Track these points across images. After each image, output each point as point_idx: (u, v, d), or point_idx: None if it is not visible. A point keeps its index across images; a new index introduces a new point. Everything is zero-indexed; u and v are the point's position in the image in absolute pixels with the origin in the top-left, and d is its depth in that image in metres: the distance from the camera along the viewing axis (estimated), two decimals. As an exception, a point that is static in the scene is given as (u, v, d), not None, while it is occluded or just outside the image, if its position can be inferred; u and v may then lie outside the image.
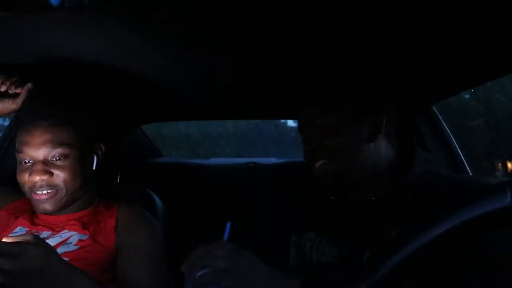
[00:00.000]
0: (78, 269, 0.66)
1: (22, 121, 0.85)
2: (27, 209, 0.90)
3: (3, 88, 0.87)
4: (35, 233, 0.84)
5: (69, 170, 0.83)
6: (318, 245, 0.78)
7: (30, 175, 0.81)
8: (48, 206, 0.82)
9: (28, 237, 0.59)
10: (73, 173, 0.83)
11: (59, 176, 0.82)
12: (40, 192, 0.82)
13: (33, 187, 0.81)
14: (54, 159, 0.82)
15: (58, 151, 0.82)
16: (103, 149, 0.94)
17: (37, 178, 0.80)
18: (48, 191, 0.82)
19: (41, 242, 0.60)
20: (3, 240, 0.57)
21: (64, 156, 0.82)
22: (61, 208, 0.85)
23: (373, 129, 0.77)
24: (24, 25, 0.70)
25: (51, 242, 0.81)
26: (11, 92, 0.88)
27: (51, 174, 0.81)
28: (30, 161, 0.82)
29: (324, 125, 0.79)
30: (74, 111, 0.86)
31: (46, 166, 0.81)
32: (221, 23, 0.70)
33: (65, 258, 0.77)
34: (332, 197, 0.84)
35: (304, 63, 0.94)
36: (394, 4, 0.61)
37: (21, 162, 0.83)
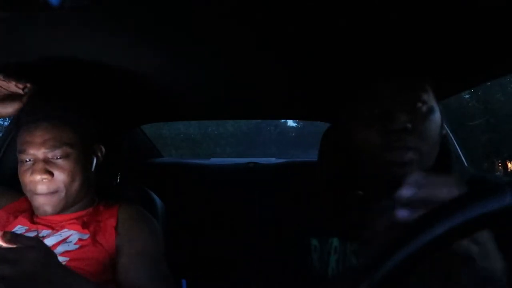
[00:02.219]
0: (77, 273, 0.66)
1: (23, 122, 0.85)
2: (27, 208, 0.90)
3: (12, 88, 0.87)
4: (35, 231, 0.84)
5: (69, 170, 0.83)
6: (343, 256, 0.68)
7: (31, 174, 0.81)
8: (48, 208, 0.83)
9: (28, 240, 0.58)
10: (73, 174, 0.84)
11: (60, 176, 0.82)
12: (40, 192, 0.82)
13: (34, 189, 0.82)
14: (55, 159, 0.82)
15: (59, 150, 0.82)
16: (103, 150, 0.94)
17: (37, 177, 0.80)
18: (48, 191, 0.82)
19: (41, 246, 0.60)
20: (3, 232, 0.57)
21: (64, 156, 0.83)
22: (61, 210, 0.85)
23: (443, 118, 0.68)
24: (24, 25, 0.70)
25: (51, 240, 0.81)
26: (18, 91, 0.88)
27: (52, 174, 0.81)
28: (31, 160, 0.82)
29: (423, 101, 0.65)
30: (74, 112, 0.87)
31: (47, 165, 0.81)
32: (222, 24, 0.70)
33: (65, 257, 0.78)
34: (360, 192, 0.72)
35: (305, 63, 0.94)
36: (394, 4, 0.62)
37: (22, 162, 0.83)
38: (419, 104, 0.65)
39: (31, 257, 0.56)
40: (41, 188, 0.81)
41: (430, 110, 0.66)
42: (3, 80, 0.86)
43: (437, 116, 0.66)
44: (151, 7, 0.63)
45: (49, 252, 0.61)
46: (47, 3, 0.56)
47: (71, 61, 0.88)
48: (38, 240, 0.60)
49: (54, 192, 0.82)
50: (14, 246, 0.57)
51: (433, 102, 0.67)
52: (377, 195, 0.66)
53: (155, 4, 0.62)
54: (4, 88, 0.88)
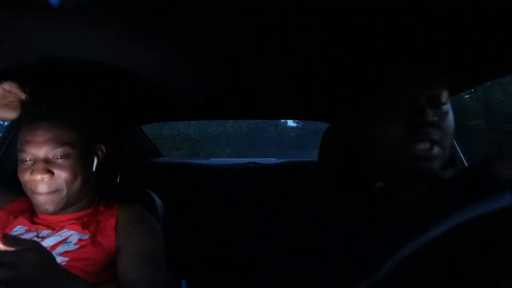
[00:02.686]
0: (76, 276, 0.66)
1: (23, 121, 0.85)
2: (27, 208, 0.90)
3: (22, 95, 0.88)
4: (35, 231, 0.84)
5: (70, 170, 0.83)
6: None
7: (31, 173, 0.81)
8: (49, 207, 0.83)
9: (27, 243, 0.58)
10: (74, 173, 0.84)
11: (60, 175, 0.82)
12: (40, 191, 0.82)
13: (35, 188, 0.81)
14: (56, 158, 0.82)
15: (59, 150, 0.82)
16: (104, 150, 0.94)
17: (38, 176, 0.80)
18: (48, 190, 0.82)
19: (39, 249, 0.59)
20: (2, 235, 0.57)
21: (65, 156, 0.83)
22: (62, 209, 0.85)
23: None
24: (24, 25, 0.70)
25: (51, 240, 0.81)
26: (18, 97, 0.88)
27: (52, 173, 0.81)
28: (32, 160, 0.82)
29: (444, 96, 0.67)
30: (75, 112, 0.87)
31: (47, 165, 0.81)
32: (222, 24, 0.70)
33: (65, 258, 0.78)
34: (381, 184, 0.71)
35: (305, 64, 0.94)
36: (395, 5, 0.62)
37: (23, 161, 0.83)
38: (442, 99, 0.66)
39: (30, 260, 0.55)
40: (42, 187, 0.81)
41: (449, 106, 0.68)
42: (14, 87, 0.87)
43: (451, 112, 0.68)
44: (152, 7, 0.63)
45: (47, 255, 0.60)
46: (47, 3, 0.56)
47: (71, 61, 0.88)
48: (37, 243, 0.59)
49: (54, 191, 0.82)
50: (13, 248, 0.56)
51: (448, 97, 0.69)
52: (395, 189, 0.68)
53: (155, 4, 0.62)
54: (13, 94, 0.88)
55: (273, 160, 2.00)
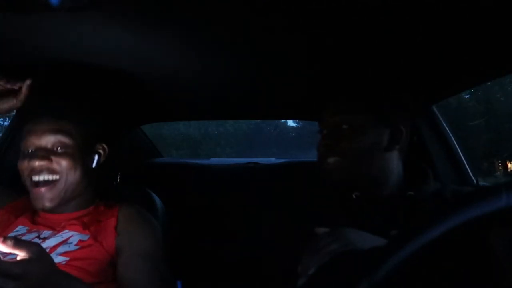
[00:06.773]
0: (80, 281, 0.66)
1: (27, 116, 0.87)
2: (28, 208, 0.90)
3: (8, 85, 0.87)
4: (35, 232, 0.84)
5: (68, 159, 0.84)
6: None
7: (30, 159, 0.82)
8: (47, 202, 0.82)
9: (30, 247, 0.57)
10: (73, 163, 0.84)
11: (59, 165, 0.83)
12: (38, 179, 0.82)
13: (32, 172, 0.82)
14: (55, 148, 0.84)
15: (59, 138, 0.84)
16: (107, 150, 0.95)
17: (36, 163, 0.81)
18: (47, 178, 0.82)
19: (43, 257, 0.59)
20: (2, 238, 0.57)
21: (65, 146, 0.84)
22: (61, 204, 0.85)
23: (392, 139, 0.80)
24: (25, 25, 0.70)
25: (52, 241, 0.81)
26: (14, 87, 0.88)
27: (50, 160, 0.83)
28: (32, 149, 0.84)
29: (346, 124, 0.81)
30: (76, 111, 0.88)
31: (46, 153, 0.83)
32: (222, 24, 0.70)
33: (65, 258, 0.78)
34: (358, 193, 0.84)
35: (305, 64, 0.94)
36: (395, 5, 0.62)
37: (23, 150, 0.85)
38: (344, 127, 0.83)
39: (35, 272, 0.55)
40: (40, 173, 0.82)
41: (356, 132, 0.84)
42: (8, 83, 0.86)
43: (367, 139, 0.84)
44: (151, 7, 0.63)
45: (51, 264, 0.61)
46: (47, 3, 0.56)
47: (71, 61, 0.88)
48: (40, 249, 0.59)
49: (53, 182, 0.83)
50: (17, 251, 0.56)
51: (366, 127, 0.84)
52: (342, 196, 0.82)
53: (155, 5, 0.62)
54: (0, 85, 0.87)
55: (273, 160, 1.99)
